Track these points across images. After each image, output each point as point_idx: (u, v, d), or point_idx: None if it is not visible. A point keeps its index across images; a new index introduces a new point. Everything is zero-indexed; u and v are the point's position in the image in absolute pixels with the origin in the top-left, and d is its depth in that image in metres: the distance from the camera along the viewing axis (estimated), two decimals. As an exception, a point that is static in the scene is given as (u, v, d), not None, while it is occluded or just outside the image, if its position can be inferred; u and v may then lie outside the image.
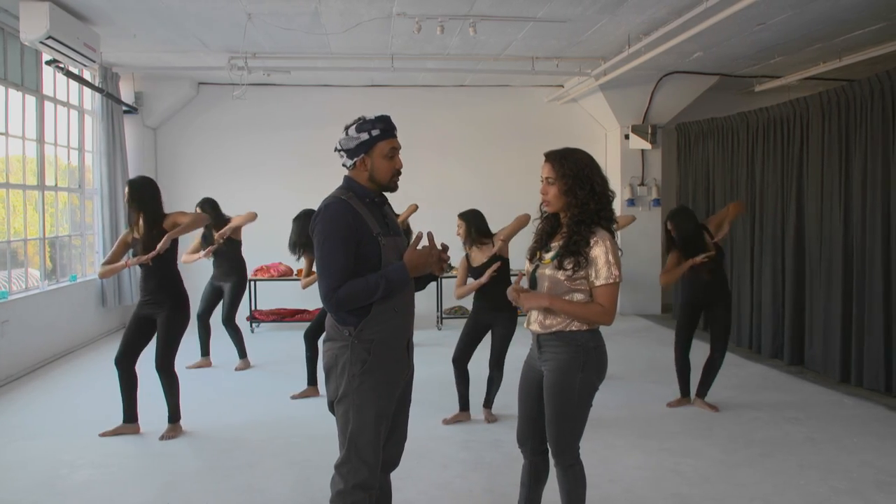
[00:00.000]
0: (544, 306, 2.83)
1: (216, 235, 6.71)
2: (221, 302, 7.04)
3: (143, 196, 4.84)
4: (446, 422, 5.21)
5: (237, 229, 6.89)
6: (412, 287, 2.80)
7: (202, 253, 6.84)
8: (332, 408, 2.73)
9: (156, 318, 4.82)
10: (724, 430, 5.02)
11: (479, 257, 5.14)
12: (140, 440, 4.87)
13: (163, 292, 4.80)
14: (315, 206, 2.83)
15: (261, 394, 6.12)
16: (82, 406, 5.69)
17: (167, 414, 4.94)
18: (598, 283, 2.79)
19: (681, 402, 5.61)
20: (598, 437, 4.66)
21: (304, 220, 5.72)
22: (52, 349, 7.44)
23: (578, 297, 2.83)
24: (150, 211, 4.85)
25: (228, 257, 6.91)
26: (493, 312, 5.08)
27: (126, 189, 4.87)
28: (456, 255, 5.13)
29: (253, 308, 9.17)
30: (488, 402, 5.28)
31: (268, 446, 4.73)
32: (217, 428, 5.13)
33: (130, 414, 4.97)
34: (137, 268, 4.91)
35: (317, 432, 4.88)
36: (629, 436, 4.89)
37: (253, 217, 6.78)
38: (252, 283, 9.11)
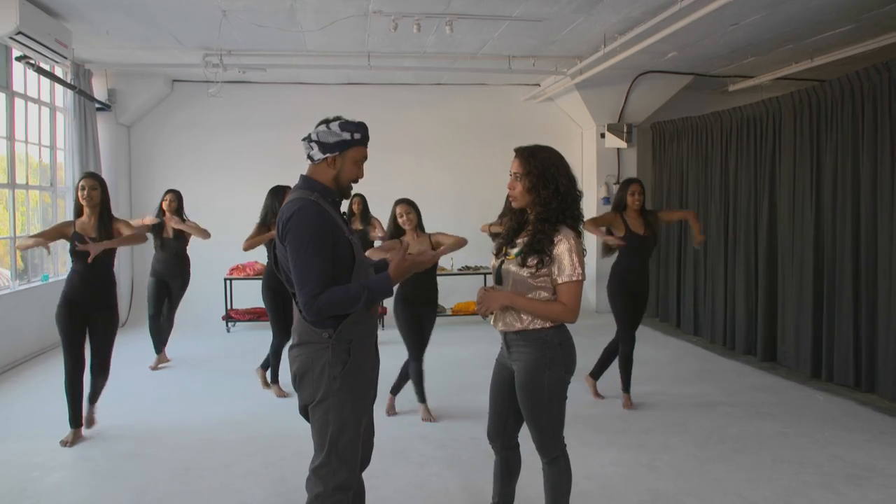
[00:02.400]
0: (506, 305, 2.85)
1: (167, 219, 6.75)
2: (170, 299, 6.98)
3: (106, 194, 4.84)
4: (425, 419, 5.22)
5: (187, 232, 6.87)
6: None
7: (149, 219, 6.81)
8: (304, 412, 2.69)
9: (95, 318, 4.74)
10: (698, 425, 5.07)
11: (415, 246, 5.10)
12: (114, 442, 4.80)
13: (105, 294, 4.75)
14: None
15: (236, 393, 6.07)
16: (54, 408, 5.58)
17: (88, 395, 4.90)
18: (560, 280, 2.80)
19: (590, 380, 5.80)
20: (573, 433, 4.65)
21: (278, 196, 5.83)
22: (24, 350, 7.32)
23: (543, 294, 2.84)
24: (107, 210, 4.83)
25: (177, 253, 6.86)
26: (420, 307, 5.19)
27: (94, 183, 4.77)
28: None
29: (228, 307, 9.09)
30: (422, 398, 5.33)
31: (243, 446, 4.70)
32: (191, 428, 5.09)
33: (78, 419, 4.85)
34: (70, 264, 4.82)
35: (293, 431, 4.85)
36: (604, 432, 4.93)
37: (206, 237, 6.82)
38: (228, 282, 9.05)
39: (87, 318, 4.73)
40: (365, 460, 2.88)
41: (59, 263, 8.61)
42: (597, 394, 5.72)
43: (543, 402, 2.87)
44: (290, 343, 2.73)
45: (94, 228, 4.74)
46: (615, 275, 5.63)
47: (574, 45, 8.14)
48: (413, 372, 5.25)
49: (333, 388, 2.58)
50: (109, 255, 4.77)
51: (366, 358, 2.68)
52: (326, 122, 2.69)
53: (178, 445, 4.75)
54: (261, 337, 8.40)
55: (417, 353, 5.21)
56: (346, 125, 2.67)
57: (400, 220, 5.17)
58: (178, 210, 6.88)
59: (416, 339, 5.20)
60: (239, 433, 4.98)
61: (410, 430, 5.00)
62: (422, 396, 5.30)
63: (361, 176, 2.74)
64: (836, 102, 6.20)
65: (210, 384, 6.41)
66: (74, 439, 4.79)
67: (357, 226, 7.77)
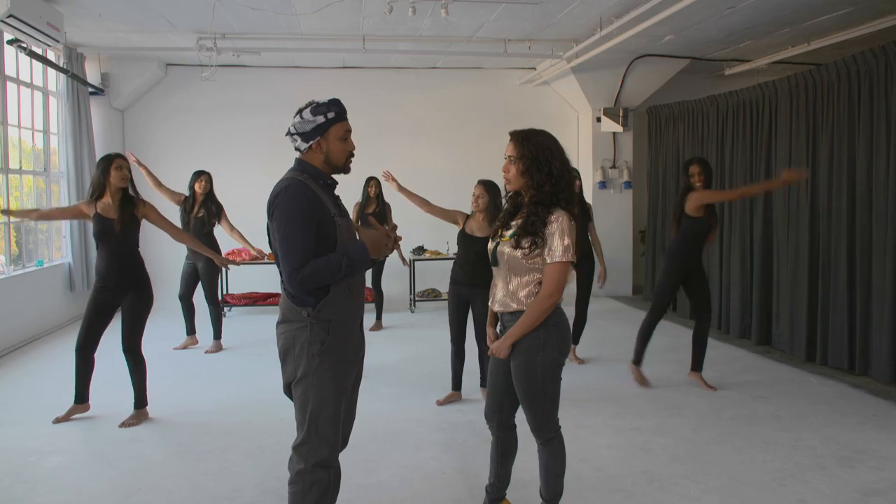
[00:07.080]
0: (510, 343, 2.89)
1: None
2: (200, 281, 7.02)
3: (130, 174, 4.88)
4: (440, 403, 5.22)
5: (214, 215, 6.88)
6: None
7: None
8: (288, 390, 2.74)
9: (117, 302, 4.77)
10: (693, 409, 5.10)
11: (478, 229, 5.00)
12: (110, 426, 4.81)
13: (126, 276, 4.74)
14: None
15: (232, 377, 6.08)
16: (50, 392, 5.60)
17: (133, 399, 4.90)
18: (549, 260, 2.82)
19: (635, 369, 5.75)
20: (569, 416, 4.71)
21: None
22: (19, 335, 7.31)
23: (536, 276, 2.88)
24: (128, 192, 4.84)
25: (199, 234, 6.83)
26: (469, 288, 5.04)
27: (125, 162, 4.79)
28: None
29: (225, 292, 9.09)
30: (485, 382, 5.29)
31: (239, 430, 4.71)
32: (187, 412, 5.10)
33: (83, 395, 4.93)
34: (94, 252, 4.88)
35: (289, 416, 4.81)
36: (600, 415, 4.95)
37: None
38: (223, 266, 9.03)
39: (115, 299, 4.77)
40: (344, 442, 2.90)
41: (53, 249, 8.58)
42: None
43: (538, 382, 2.89)
44: (277, 320, 2.77)
45: (115, 210, 4.72)
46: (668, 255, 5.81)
47: (570, 29, 8.10)
48: (452, 352, 5.29)
49: (312, 366, 2.62)
50: (132, 236, 4.77)
51: (347, 338, 2.70)
52: (300, 111, 2.72)
53: (175, 429, 4.77)
54: (257, 321, 8.42)
55: (454, 333, 5.21)
56: (318, 108, 2.69)
57: (473, 203, 5.01)
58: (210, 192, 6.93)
59: (457, 320, 5.19)
60: (236, 417, 4.99)
61: (406, 413, 5.02)
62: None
63: (353, 148, 2.77)
64: (833, 86, 6.19)
65: (205, 368, 6.42)
66: (66, 416, 4.88)
67: (373, 208, 7.88)
